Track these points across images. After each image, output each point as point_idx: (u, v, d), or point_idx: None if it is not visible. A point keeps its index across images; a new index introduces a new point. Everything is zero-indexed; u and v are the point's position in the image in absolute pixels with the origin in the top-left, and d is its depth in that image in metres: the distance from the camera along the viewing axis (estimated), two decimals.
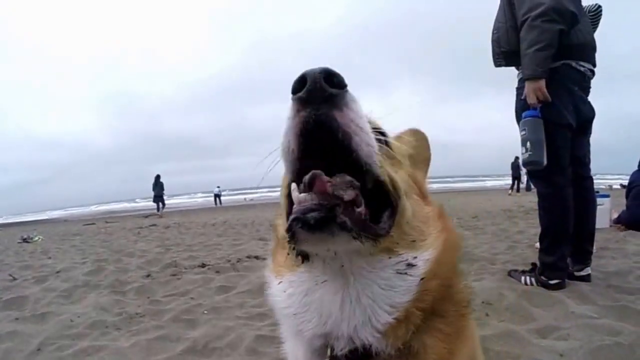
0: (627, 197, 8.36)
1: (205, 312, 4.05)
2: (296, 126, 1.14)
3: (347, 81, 1.12)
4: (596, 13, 4.51)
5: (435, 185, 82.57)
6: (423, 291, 1.22)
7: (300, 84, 1.14)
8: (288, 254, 1.33)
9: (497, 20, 4.30)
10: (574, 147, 4.12)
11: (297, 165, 1.19)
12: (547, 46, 3.74)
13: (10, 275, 6.72)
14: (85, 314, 4.21)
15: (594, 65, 4.14)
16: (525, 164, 4.02)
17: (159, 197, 31.66)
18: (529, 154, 3.90)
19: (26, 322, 4.17)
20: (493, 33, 4.34)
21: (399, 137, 1.70)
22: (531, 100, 3.90)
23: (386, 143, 1.39)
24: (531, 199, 17.25)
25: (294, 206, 1.11)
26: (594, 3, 4.51)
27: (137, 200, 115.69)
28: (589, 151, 4.36)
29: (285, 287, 1.37)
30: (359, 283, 1.23)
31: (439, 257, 1.28)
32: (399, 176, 1.37)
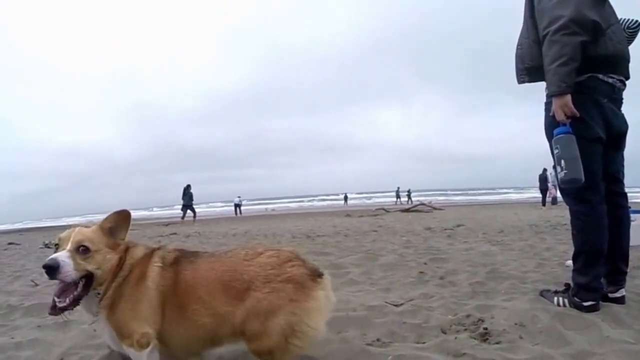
0: None
1: None
2: None
3: None
4: (635, 30, 4.39)
5: (458, 198, 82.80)
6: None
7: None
8: None
9: (521, 36, 4.22)
10: (607, 162, 4.01)
11: None
12: (569, 60, 3.64)
13: (32, 280, 6.79)
14: None
15: (627, 77, 4.02)
16: (563, 182, 3.87)
17: (187, 207, 32.09)
18: (565, 172, 3.77)
19: (48, 329, 4.16)
20: (517, 49, 4.26)
21: (102, 222, 2.99)
22: (559, 117, 3.80)
23: (85, 251, 2.69)
24: (557, 213, 17.15)
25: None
26: (634, 19, 4.38)
27: (154, 209, 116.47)
28: (622, 166, 4.24)
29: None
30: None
31: (104, 276, 2.76)
32: (92, 260, 2.71)
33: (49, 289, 6.01)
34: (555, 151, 3.84)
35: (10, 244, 16.29)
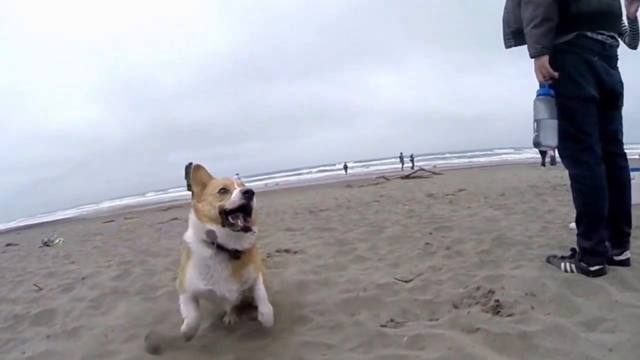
0: None
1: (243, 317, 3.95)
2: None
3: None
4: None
5: (456, 161, 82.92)
6: None
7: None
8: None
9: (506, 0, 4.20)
10: (604, 121, 4.00)
11: None
12: (543, 20, 3.65)
13: (35, 285, 6.68)
14: (119, 326, 4.12)
15: (619, 33, 4.02)
16: (534, 144, 3.98)
17: (191, 186, 32.26)
18: (535, 134, 3.88)
19: (58, 339, 4.09)
20: (504, 12, 4.26)
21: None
22: (538, 78, 3.84)
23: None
24: (556, 174, 17.18)
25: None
26: None
27: (148, 193, 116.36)
28: (621, 125, 4.22)
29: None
30: None
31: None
32: None
33: (52, 292, 6.05)
34: (533, 112, 3.89)
35: (8, 245, 16.29)
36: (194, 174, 3.35)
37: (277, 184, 73.55)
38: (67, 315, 4.79)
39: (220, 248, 3.17)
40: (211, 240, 3.15)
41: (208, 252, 3.17)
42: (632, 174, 4.56)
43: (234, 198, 3.05)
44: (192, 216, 3.27)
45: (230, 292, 3.28)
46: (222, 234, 3.11)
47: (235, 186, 3.19)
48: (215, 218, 3.11)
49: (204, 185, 3.33)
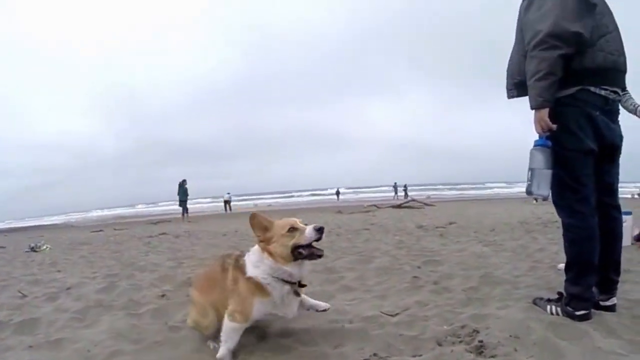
0: None
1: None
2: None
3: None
4: None
5: (448, 193, 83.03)
6: None
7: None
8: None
9: (512, 49, 4.25)
10: (601, 173, 4.04)
11: None
12: (546, 75, 3.66)
13: (20, 291, 6.63)
14: (102, 342, 4.10)
15: (623, 89, 4.03)
16: (527, 192, 4.04)
17: (182, 202, 32.34)
18: (528, 184, 3.92)
19: (41, 349, 4.05)
20: (508, 62, 4.30)
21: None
22: (537, 130, 3.87)
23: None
24: (547, 210, 17.25)
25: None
26: None
27: (138, 205, 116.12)
28: (617, 179, 4.25)
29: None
30: None
31: None
32: None
33: (37, 300, 6.01)
34: (529, 161, 3.93)
35: None
36: (253, 222, 3.62)
37: (269, 205, 73.55)
38: (51, 326, 4.76)
39: (291, 283, 3.56)
40: (288, 280, 3.53)
41: (285, 288, 3.54)
42: (624, 217, 4.59)
43: (309, 235, 3.43)
44: (263, 257, 3.54)
45: (294, 312, 3.76)
46: (297, 273, 3.55)
47: (299, 224, 3.54)
48: (288, 256, 3.46)
49: (265, 229, 3.60)
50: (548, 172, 3.82)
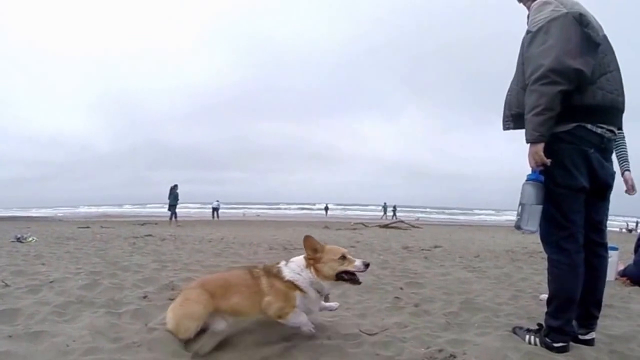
0: (635, 251, 8.29)
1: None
2: None
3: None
4: None
5: (437, 216, 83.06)
6: None
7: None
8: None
9: (512, 81, 4.28)
10: (590, 211, 4.07)
11: None
12: (544, 110, 3.68)
13: (3, 281, 6.60)
14: (81, 338, 4.08)
15: (619, 128, 4.07)
16: (515, 227, 4.06)
17: (173, 207, 32.32)
18: (518, 218, 3.95)
19: (20, 340, 4.03)
20: (507, 94, 4.32)
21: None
22: (530, 164, 3.89)
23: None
24: (534, 240, 17.17)
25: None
26: None
27: (125, 205, 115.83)
28: (606, 217, 4.29)
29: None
30: None
31: None
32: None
33: (19, 291, 5.99)
34: (520, 196, 3.95)
35: None
36: (306, 243, 4.37)
37: (258, 215, 73.50)
38: (31, 318, 4.74)
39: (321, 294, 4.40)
40: (320, 291, 4.35)
41: (316, 295, 4.32)
42: (610, 252, 4.62)
43: (358, 266, 4.26)
44: (305, 269, 4.32)
45: (317, 311, 4.61)
46: (328, 289, 4.44)
47: (348, 255, 4.32)
48: (331, 276, 4.25)
49: (315, 250, 4.34)
50: (538, 208, 3.85)
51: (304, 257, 4.39)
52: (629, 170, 5.46)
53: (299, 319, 4.23)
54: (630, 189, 5.44)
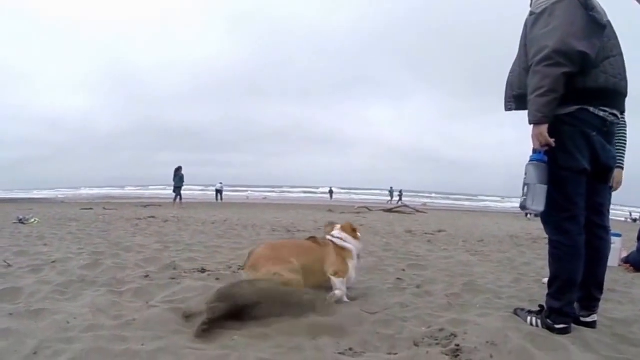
0: (639, 239, 8.25)
1: (205, 326, 3.86)
2: None
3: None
4: None
5: (441, 202, 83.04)
6: None
7: None
8: None
9: (514, 62, 4.24)
10: (592, 193, 4.04)
11: None
12: (548, 91, 3.65)
13: (5, 261, 6.60)
14: (81, 316, 4.09)
15: (621, 112, 4.03)
16: (521, 207, 4.02)
17: (177, 189, 32.32)
18: (524, 199, 3.89)
19: (21, 318, 4.03)
20: (509, 75, 4.29)
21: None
22: (535, 145, 3.86)
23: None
24: (538, 226, 17.16)
25: None
26: None
27: (127, 187, 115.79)
28: (609, 200, 4.29)
29: None
30: None
31: None
32: None
33: (21, 271, 6.01)
34: (524, 176, 3.91)
35: None
36: (347, 225, 5.56)
37: (265, 197, 73.70)
38: (33, 296, 4.76)
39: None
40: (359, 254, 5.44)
41: (358, 262, 5.36)
42: (613, 239, 4.60)
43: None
44: (351, 239, 5.38)
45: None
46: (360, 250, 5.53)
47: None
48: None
49: (354, 230, 5.55)
50: (544, 188, 3.81)
51: (347, 232, 5.43)
52: (620, 168, 5.37)
53: (345, 285, 5.00)
54: (615, 186, 5.32)
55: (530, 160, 3.89)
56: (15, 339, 3.52)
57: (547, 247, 4.16)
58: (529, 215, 29.36)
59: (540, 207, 3.84)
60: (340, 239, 5.30)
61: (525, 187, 3.87)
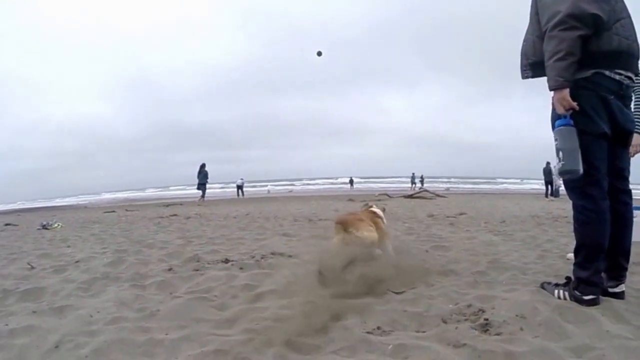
0: None
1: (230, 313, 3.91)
2: None
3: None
4: None
5: (461, 186, 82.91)
6: None
7: None
8: None
9: (526, 32, 4.21)
10: (613, 158, 3.99)
11: None
12: (566, 55, 3.62)
13: (29, 263, 6.65)
14: (105, 309, 4.11)
15: (636, 74, 3.98)
16: (561, 173, 3.90)
17: (202, 185, 32.47)
18: (562, 163, 3.80)
19: (44, 315, 4.06)
20: (522, 44, 4.26)
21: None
22: (559, 110, 3.81)
23: None
24: (558, 206, 17.22)
25: None
26: None
27: (148, 189, 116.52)
28: (629, 164, 4.22)
29: None
30: None
31: None
32: None
33: (44, 272, 6.06)
34: (555, 142, 3.86)
35: (7, 224, 16.18)
36: (373, 212, 6.46)
37: (290, 190, 73.88)
38: (56, 294, 4.78)
39: None
40: None
41: None
42: (635, 213, 4.52)
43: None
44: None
45: None
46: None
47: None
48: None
49: (383, 209, 6.81)
50: (577, 149, 3.75)
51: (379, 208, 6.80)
52: (638, 132, 5.27)
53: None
54: (632, 151, 5.21)
55: (559, 126, 3.83)
56: (37, 335, 3.56)
57: (568, 225, 4.14)
58: (547, 197, 29.29)
59: (580, 168, 3.75)
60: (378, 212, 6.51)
61: (560, 153, 3.80)
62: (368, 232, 5.46)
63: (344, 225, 5.42)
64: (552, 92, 3.86)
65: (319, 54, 14.20)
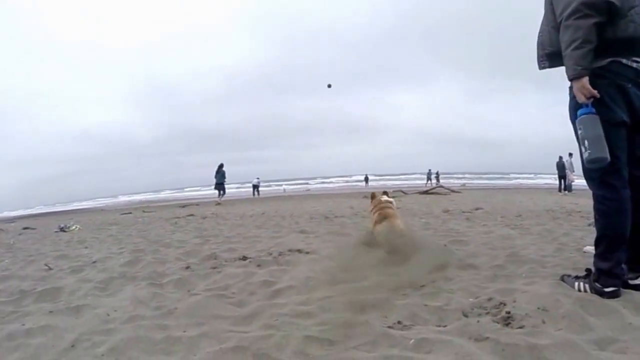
0: None
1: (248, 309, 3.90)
2: None
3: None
4: None
5: (475, 181, 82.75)
6: None
7: None
8: None
9: (542, 23, 4.18)
10: (632, 146, 3.92)
11: None
12: (583, 42, 3.59)
13: (46, 265, 6.70)
14: (122, 308, 4.12)
15: None
16: (588, 162, 3.80)
17: (219, 185, 32.53)
18: (589, 152, 3.71)
19: (60, 315, 4.07)
20: (538, 36, 4.22)
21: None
22: (580, 99, 3.75)
23: None
24: (572, 200, 17.25)
25: None
26: None
27: (164, 191, 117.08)
28: None
29: None
30: None
31: None
32: None
33: (61, 272, 6.10)
34: (579, 132, 3.79)
35: (25, 228, 16.43)
36: (384, 201, 6.76)
37: (308, 189, 74.03)
38: (73, 294, 4.80)
39: None
40: None
41: None
42: None
43: None
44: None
45: None
46: None
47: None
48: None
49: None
50: (602, 136, 3.69)
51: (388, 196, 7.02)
52: None
53: None
54: None
55: (582, 114, 3.78)
56: (53, 334, 3.57)
57: (582, 219, 4.10)
58: (561, 192, 29.20)
59: (607, 155, 3.68)
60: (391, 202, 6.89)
61: (585, 141, 3.74)
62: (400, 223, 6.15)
63: (387, 218, 6.16)
64: (570, 82, 3.82)
65: (329, 86, 15.85)
